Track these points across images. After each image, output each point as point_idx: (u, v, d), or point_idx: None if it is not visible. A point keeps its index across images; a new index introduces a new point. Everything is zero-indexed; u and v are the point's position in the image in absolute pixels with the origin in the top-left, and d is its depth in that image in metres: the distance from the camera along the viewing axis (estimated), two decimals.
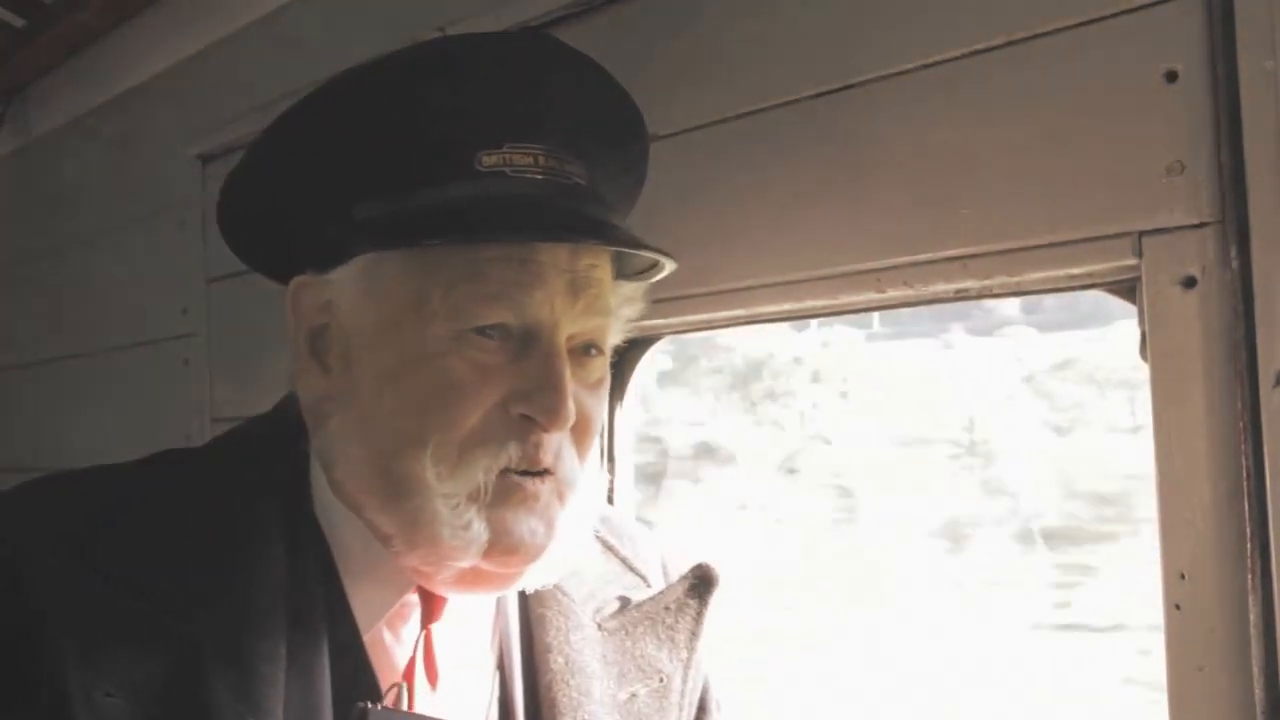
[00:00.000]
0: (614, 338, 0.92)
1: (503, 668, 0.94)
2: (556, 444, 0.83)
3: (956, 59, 1.02)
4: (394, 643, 0.88)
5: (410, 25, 1.56)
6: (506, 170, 0.82)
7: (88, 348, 2.48)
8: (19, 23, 2.27)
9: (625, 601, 0.99)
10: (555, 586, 0.93)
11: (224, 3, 1.98)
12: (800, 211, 1.14)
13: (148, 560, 0.79)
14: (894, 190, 1.06)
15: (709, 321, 1.26)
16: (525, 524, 0.82)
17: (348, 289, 0.85)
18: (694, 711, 1.03)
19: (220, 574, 0.80)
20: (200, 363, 2.05)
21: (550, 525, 0.84)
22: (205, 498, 0.85)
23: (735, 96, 1.20)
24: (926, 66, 1.04)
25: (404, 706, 0.85)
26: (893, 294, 1.08)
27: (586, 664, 0.93)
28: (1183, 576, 0.88)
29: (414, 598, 0.88)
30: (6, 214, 2.86)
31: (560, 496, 0.85)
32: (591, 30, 1.34)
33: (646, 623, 0.98)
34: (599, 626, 0.96)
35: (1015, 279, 0.99)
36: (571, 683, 0.91)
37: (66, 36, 2.28)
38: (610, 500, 1.28)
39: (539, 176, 0.83)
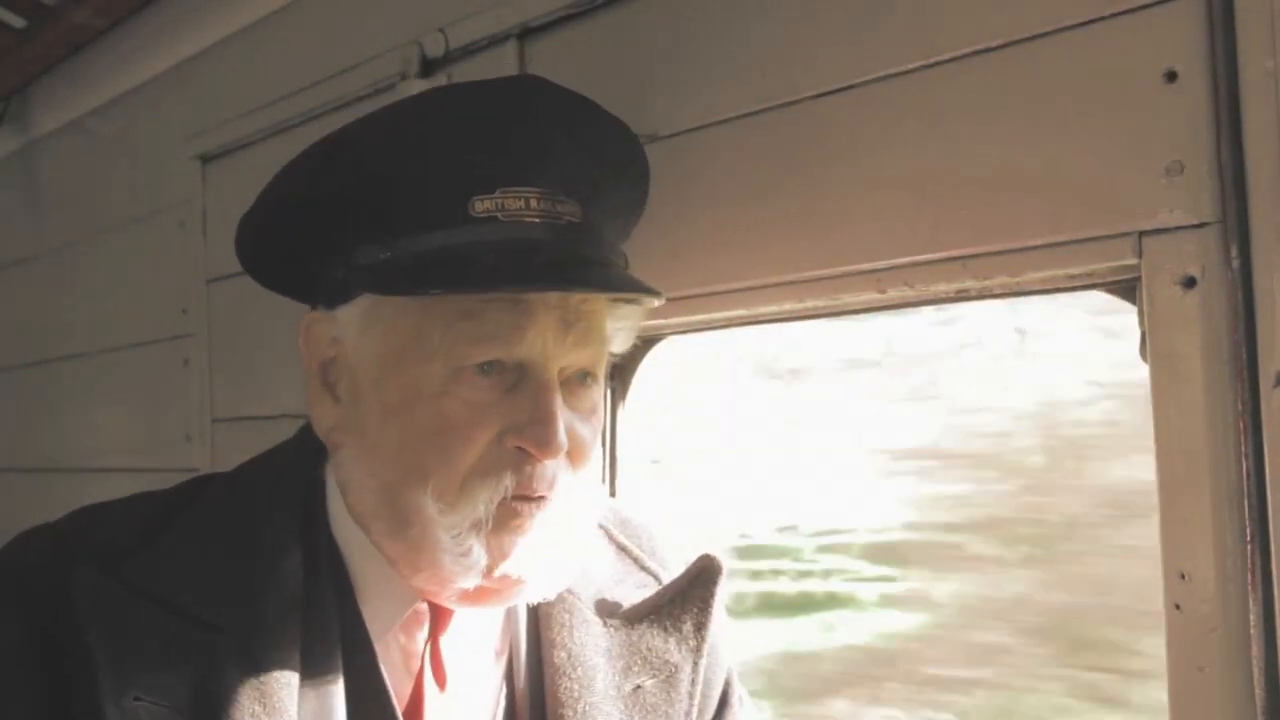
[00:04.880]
0: (617, 347, 0.97)
1: (510, 666, 0.97)
2: (552, 471, 0.87)
3: (957, 59, 1.02)
4: (405, 650, 0.92)
5: (410, 25, 1.57)
6: (499, 215, 0.85)
7: (88, 348, 2.48)
8: (19, 23, 2.26)
9: (632, 599, 1.02)
10: None
11: (224, 3, 1.98)
12: (800, 211, 1.14)
13: (175, 578, 0.86)
14: (894, 190, 1.06)
15: (709, 321, 1.26)
16: (521, 546, 0.86)
17: (353, 326, 0.90)
18: (710, 702, 1.05)
19: (240, 588, 0.86)
20: (200, 363, 2.05)
21: (546, 546, 0.88)
22: (230, 519, 0.91)
23: (735, 97, 1.20)
24: (927, 67, 1.04)
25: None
26: (893, 294, 1.08)
27: (589, 658, 0.96)
28: (1183, 576, 0.88)
29: (424, 607, 0.92)
30: (6, 214, 2.86)
31: (558, 520, 0.88)
32: (592, 30, 1.35)
33: (652, 616, 1.00)
34: (604, 622, 0.99)
35: (1015, 279, 0.99)
36: (573, 675, 0.94)
37: (66, 36, 2.27)
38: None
39: (533, 220, 0.86)
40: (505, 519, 0.85)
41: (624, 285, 0.89)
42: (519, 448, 0.85)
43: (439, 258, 0.84)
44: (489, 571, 0.85)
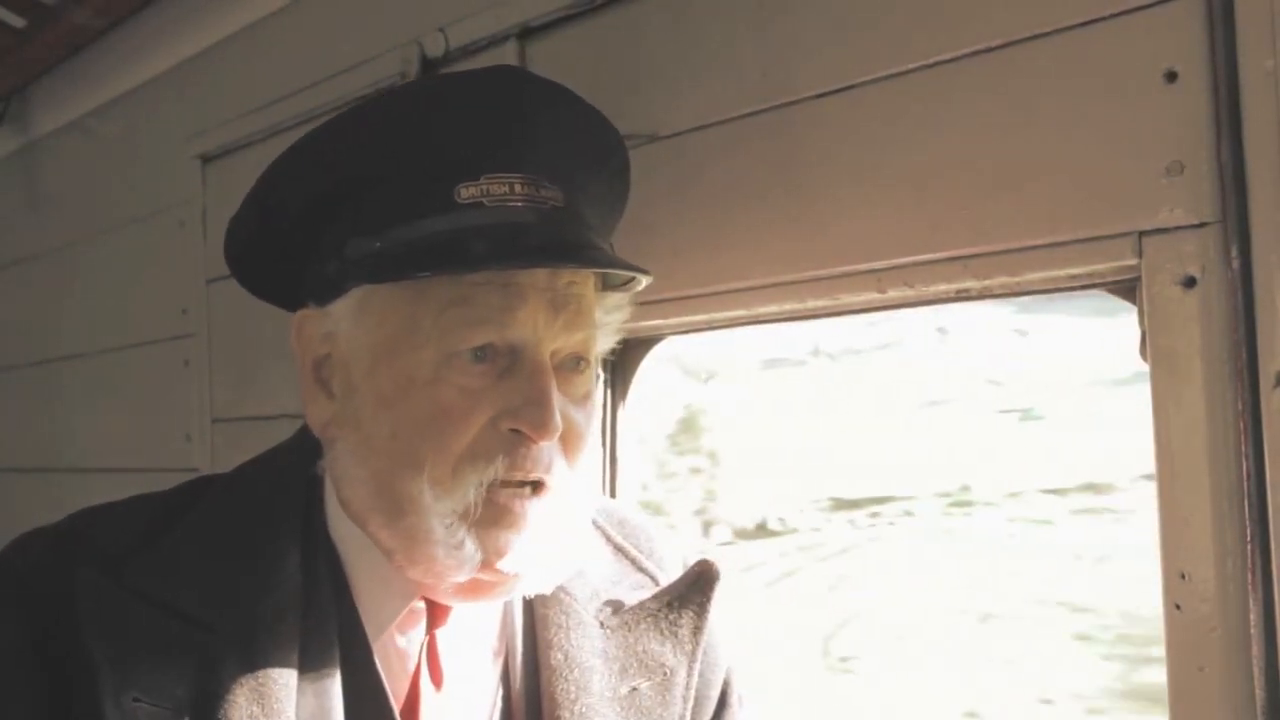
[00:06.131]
0: (604, 344, 0.97)
1: (507, 667, 0.97)
2: (548, 455, 0.86)
3: (956, 59, 1.02)
4: (402, 648, 0.92)
5: (410, 25, 1.57)
6: (484, 201, 0.86)
7: (88, 348, 2.48)
8: (19, 23, 2.26)
9: (630, 600, 1.01)
10: (559, 587, 0.95)
11: (224, 3, 1.98)
12: (800, 211, 1.14)
13: (176, 579, 0.87)
14: (894, 190, 1.06)
15: (709, 321, 1.26)
16: (515, 542, 0.86)
17: (345, 320, 0.90)
18: (708, 703, 1.05)
19: (238, 588, 0.87)
20: (200, 363, 2.05)
21: (540, 540, 0.88)
22: (231, 521, 0.92)
23: (735, 97, 1.20)
24: (927, 67, 1.04)
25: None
26: (893, 294, 1.08)
27: (585, 659, 0.96)
28: (1183, 576, 0.88)
29: (420, 605, 0.92)
30: (6, 214, 2.86)
31: (552, 508, 0.88)
32: (592, 30, 1.35)
33: (649, 619, 1.00)
34: (601, 624, 0.99)
35: (1015, 279, 0.99)
36: (570, 677, 0.94)
37: (66, 36, 2.28)
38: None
39: (517, 204, 0.87)
40: (497, 516, 0.85)
41: (612, 263, 0.89)
42: (513, 430, 0.85)
43: (428, 244, 0.85)
44: (483, 567, 0.85)
